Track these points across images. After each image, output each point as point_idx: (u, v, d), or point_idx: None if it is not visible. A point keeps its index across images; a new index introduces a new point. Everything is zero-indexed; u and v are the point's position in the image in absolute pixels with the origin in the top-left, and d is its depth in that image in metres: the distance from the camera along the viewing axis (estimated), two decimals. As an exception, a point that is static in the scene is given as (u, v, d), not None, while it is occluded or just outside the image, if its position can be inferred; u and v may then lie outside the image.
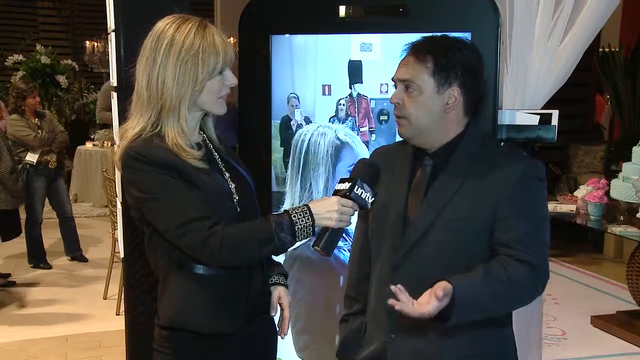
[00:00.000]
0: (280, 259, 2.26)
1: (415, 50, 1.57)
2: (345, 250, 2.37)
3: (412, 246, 1.57)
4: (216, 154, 1.67)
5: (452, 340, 1.55)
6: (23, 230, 5.34)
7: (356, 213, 1.59)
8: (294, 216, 1.51)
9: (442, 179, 1.57)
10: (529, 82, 2.36)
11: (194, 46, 1.53)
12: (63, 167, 5.71)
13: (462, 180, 1.54)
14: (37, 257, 5.63)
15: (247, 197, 1.66)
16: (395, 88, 1.59)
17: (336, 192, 1.56)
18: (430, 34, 1.61)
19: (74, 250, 5.82)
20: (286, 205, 2.45)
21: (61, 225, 5.70)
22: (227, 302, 1.61)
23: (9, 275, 5.31)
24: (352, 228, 1.65)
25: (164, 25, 1.56)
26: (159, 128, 1.56)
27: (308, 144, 2.42)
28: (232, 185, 1.63)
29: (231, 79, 1.61)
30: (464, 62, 1.55)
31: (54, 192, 5.53)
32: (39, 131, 5.32)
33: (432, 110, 1.55)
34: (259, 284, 1.69)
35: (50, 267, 5.61)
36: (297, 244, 1.57)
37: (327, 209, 1.52)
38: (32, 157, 5.28)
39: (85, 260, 5.80)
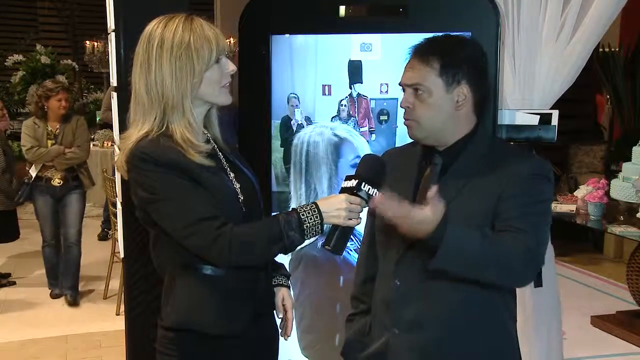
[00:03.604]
0: (286, 258, 2.27)
1: (419, 53, 1.56)
2: (351, 251, 2.38)
3: (415, 241, 1.56)
4: (220, 153, 1.67)
5: (454, 336, 1.55)
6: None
7: (365, 211, 1.58)
8: (303, 214, 1.51)
9: (449, 176, 1.57)
10: (538, 82, 2.36)
11: (184, 40, 1.53)
12: (81, 185, 4.71)
13: (468, 178, 1.54)
14: (52, 282, 4.91)
15: (252, 197, 1.66)
16: (404, 92, 1.59)
17: (343, 190, 1.55)
18: (431, 35, 1.61)
19: (67, 284, 4.76)
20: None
21: (63, 251, 4.81)
22: (235, 303, 1.61)
23: (9, 275, 5.31)
24: (358, 228, 1.65)
25: (152, 27, 1.57)
26: (164, 127, 1.56)
27: (307, 145, 2.42)
28: (237, 185, 1.63)
29: (230, 66, 1.60)
30: (469, 58, 1.55)
31: (61, 211, 4.70)
32: (48, 142, 4.55)
33: (443, 110, 1.55)
34: (264, 285, 1.69)
35: (59, 294, 4.88)
36: (304, 242, 1.56)
37: (336, 207, 1.52)
38: (32, 171, 4.59)
39: (76, 304, 4.75)
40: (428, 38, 1.59)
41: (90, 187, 4.84)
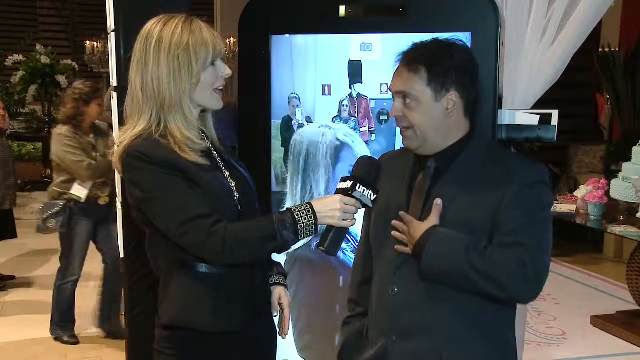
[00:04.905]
0: (281, 259, 2.27)
1: (407, 61, 1.55)
2: (347, 251, 2.38)
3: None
4: (215, 152, 1.67)
5: (454, 345, 1.54)
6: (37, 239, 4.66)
7: (361, 212, 1.58)
8: (297, 214, 1.52)
9: (445, 181, 1.56)
10: (520, 81, 2.36)
11: (182, 41, 1.54)
12: (114, 203, 3.91)
13: (465, 183, 1.53)
14: (63, 325, 4.11)
15: (247, 196, 1.66)
16: (393, 100, 1.59)
17: (338, 191, 1.56)
18: (420, 41, 1.59)
19: (104, 318, 4.14)
20: (287, 207, 2.45)
21: (104, 282, 4.13)
22: (231, 301, 1.61)
23: (12, 277, 5.30)
24: (354, 230, 1.65)
25: (151, 25, 1.58)
26: (162, 126, 1.56)
27: (307, 145, 2.42)
28: (232, 184, 1.63)
29: (224, 70, 1.61)
30: (457, 65, 1.54)
31: (103, 237, 4.00)
32: (95, 154, 3.85)
33: (434, 118, 1.54)
34: (260, 283, 1.69)
35: (76, 341, 4.11)
36: (299, 243, 1.57)
37: (330, 208, 1.52)
38: (80, 192, 3.78)
39: (116, 337, 4.03)
40: (416, 44, 1.58)
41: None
